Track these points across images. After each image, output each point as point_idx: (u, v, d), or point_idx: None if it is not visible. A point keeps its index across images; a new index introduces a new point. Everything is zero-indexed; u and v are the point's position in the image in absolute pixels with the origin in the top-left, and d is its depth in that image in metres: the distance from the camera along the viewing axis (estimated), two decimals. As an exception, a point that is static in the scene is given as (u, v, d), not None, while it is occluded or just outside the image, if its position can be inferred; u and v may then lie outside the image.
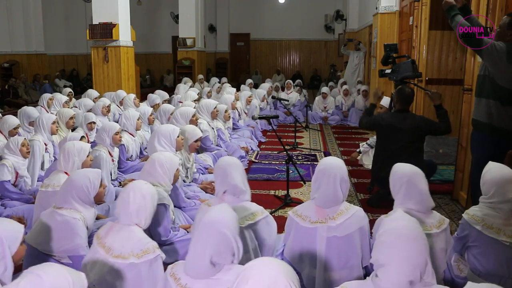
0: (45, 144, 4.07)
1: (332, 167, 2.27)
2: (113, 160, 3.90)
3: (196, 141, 3.85)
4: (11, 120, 4.20)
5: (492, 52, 2.87)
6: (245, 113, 7.04)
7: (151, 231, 2.56)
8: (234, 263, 1.66)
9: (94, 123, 4.64)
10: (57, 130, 4.23)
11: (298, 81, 10.46)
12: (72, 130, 4.71)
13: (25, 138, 3.56)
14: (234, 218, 1.69)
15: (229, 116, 5.64)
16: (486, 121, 3.02)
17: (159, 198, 2.53)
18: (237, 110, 6.66)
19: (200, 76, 10.30)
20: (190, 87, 8.55)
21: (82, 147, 2.97)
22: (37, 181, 3.81)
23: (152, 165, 2.69)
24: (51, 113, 5.60)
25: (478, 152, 3.14)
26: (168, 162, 2.72)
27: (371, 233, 2.37)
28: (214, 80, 10.25)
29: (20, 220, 3.07)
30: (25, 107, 4.65)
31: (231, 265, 1.64)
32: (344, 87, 8.75)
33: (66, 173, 2.88)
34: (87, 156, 2.99)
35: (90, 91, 6.78)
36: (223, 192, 2.44)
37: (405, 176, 2.24)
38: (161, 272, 1.98)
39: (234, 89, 7.80)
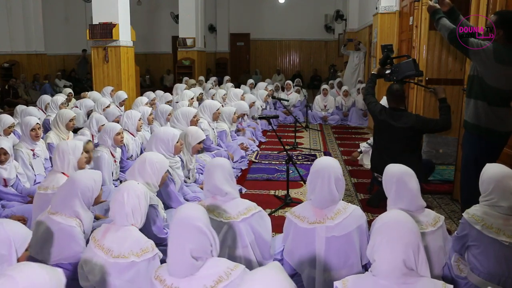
0: (32, 150, 3.90)
1: (326, 167, 2.28)
2: (115, 161, 3.90)
3: (199, 143, 3.86)
4: (5, 118, 4.18)
5: (479, 52, 2.86)
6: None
7: (146, 232, 2.56)
8: (213, 256, 1.69)
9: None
10: (37, 137, 3.94)
11: (297, 80, 10.46)
12: (73, 131, 4.72)
13: (1, 147, 3.39)
14: (204, 211, 1.74)
15: (237, 119, 5.62)
16: (473, 121, 3.02)
17: None
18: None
19: (201, 78, 10.31)
20: (190, 86, 8.56)
21: (76, 145, 2.95)
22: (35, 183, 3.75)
23: (142, 164, 2.68)
24: (49, 115, 5.60)
25: (466, 152, 3.15)
26: (158, 163, 2.70)
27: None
28: (213, 80, 10.27)
29: (20, 219, 3.07)
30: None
31: (211, 259, 1.67)
32: (344, 88, 8.72)
33: (63, 173, 2.85)
34: (82, 154, 2.96)
35: (92, 93, 6.81)
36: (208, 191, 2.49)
37: (395, 176, 2.27)
38: None
39: (242, 91, 7.75)
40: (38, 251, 2.27)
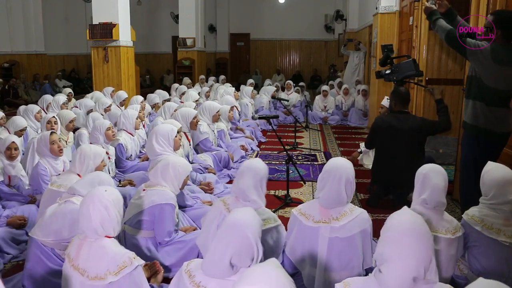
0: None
1: (339, 168, 2.28)
2: (109, 158, 3.92)
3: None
4: (19, 121, 4.23)
5: (477, 53, 2.85)
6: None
7: (155, 230, 2.60)
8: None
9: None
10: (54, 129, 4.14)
11: (301, 83, 10.49)
12: (73, 131, 4.72)
13: (13, 142, 3.45)
14: (259, 223, 1.68)
15: (232, 116, 5.66)
16: (472, 122, 3.01)
17: (167, 198, 2.58)
18: (237, 109, 6.67)
19: (202, 77, 10.32)
20: (186, 86, 8.57)
21: (98, 152, 2.97)
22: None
23: (165, 167, 2.70)
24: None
25: (465, 152, 3.15)
26: (181, 167, 2.74)
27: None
28: (212, 80, 10.29)
29: (21, 219, 3.08)
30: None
31: (248, 269, 1.64)
32: (344, 86, 8.76)
33: (79, 175, 2.86)
34: (101, 161, 2.99)
35: (95, 93, 6.83)
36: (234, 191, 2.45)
37: (425, 169, 2.29)
38: (143, 279, 1.94)
39: (233, 88, 7.82)
40: (49, 233, 2.31)
